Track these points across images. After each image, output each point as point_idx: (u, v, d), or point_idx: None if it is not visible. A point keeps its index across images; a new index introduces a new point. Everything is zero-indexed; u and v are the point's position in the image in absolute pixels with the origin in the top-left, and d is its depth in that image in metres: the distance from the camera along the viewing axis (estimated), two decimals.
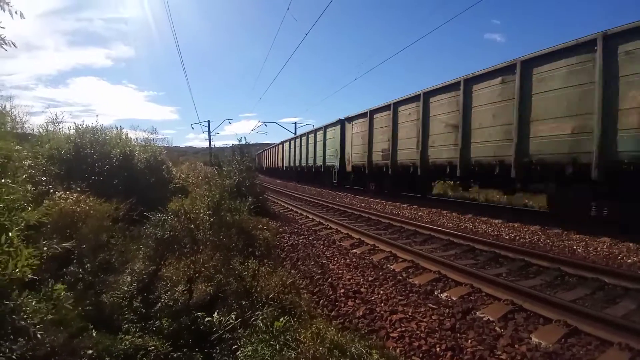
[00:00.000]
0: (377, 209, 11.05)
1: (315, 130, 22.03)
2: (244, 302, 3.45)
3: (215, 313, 3.39)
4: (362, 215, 9.44)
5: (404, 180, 13.48)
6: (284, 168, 31.23)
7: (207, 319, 3.32)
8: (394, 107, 12.91)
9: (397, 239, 6.74)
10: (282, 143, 32.41)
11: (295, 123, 44.15)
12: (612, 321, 3.02)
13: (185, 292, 3.94)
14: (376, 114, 14.32)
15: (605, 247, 5.91)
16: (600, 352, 2.77)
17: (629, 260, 5.28)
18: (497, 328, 3.17)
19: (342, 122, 17.82)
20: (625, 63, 6.12)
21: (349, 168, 16.80)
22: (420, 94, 11.33)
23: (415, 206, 11.18)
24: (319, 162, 20.99)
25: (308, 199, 14.10)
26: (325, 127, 20.12)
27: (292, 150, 27.97)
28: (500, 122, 8.38)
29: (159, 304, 3.71)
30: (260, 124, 45.75)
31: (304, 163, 24.50)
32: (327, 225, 8.22)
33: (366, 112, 14.91)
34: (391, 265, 5.15)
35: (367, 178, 15.67)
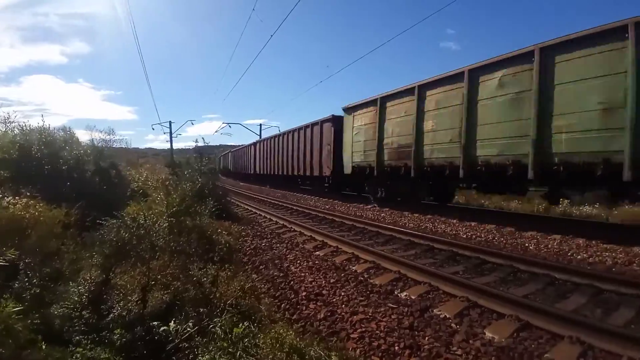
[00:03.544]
0: (341, 210, 11.14)
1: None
2: (202, 310, 3.37)
3: (172, 322, 3.29)
4: (327, 218, 9.48)
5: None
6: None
7: (162, 328, 3.21)
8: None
9: (359, 240, 6.81)
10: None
11: (260, 125, 43.87)
12: (562, 315, 3.18)
13: (139, 301, 3.79)
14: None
15: (555, 244, 6.23)
16: (551, 346, 2.89)
17: (579, 257, 5.58)
18: (453, 325, 3.26)
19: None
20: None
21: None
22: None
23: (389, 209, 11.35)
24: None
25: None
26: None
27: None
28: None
29: (112, 314, 3.55)
30: (224, 125, 45.04)
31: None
32: (291, 227, 8.20)
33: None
34: (353, 266, 5.19)
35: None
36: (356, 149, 13.25)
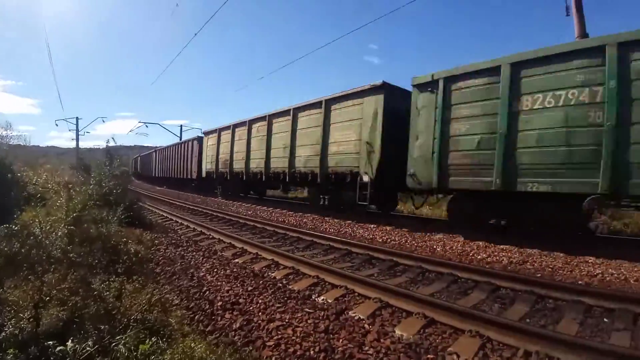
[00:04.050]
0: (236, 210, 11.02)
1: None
2: (104, 327, 3.08)
3: (69, 341, 2.96)
4: (248, 224, 9.30)
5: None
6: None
7: (58, 348, 2.88)
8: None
9: (280, 246, 6.79)
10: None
11: (181, 126, 41.85)
12: (463, 311, 3.45)
13: (31, 319, 3.37)
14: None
15: (459, 245, 6.78)
16: (453, 340, 3.12)
17: (479, 256, 6.13)
18: (366, 325, 3.37)
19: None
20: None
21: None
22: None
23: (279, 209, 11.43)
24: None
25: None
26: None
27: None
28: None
29: (4, 334, 3.11)
30: (140, 124, 42.27)
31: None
32: (209, 235, 7.90)
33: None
34: (273, 273, 5.15)
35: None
36: (207, 160, 19.94)
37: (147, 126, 43.30)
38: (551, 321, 3.65)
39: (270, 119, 13.91)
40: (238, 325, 3.50)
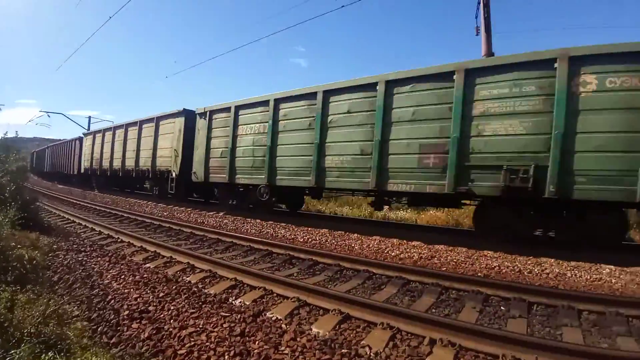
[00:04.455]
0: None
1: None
2: None
3: None
4: (163, 226, 8.79)
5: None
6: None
7: None
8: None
9: (197, 248, 6.53)
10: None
11: (89, 117, 38.20)
12: (375, 305, 3.60)
13: None
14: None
15: (375, 243, 7.07)
16: (367, 333, 3.24)
17: (393, 253, 6.45)
18: (283, 325, 3.36)
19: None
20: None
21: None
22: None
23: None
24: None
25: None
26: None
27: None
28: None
29: None
30: (42, 114, 38.14)
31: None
32: (118, 238, 7.32)
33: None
34: (187, 277, 4.92)
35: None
36: (85, 158, 22.74)
37: (49, 116, 39.05)
38: (454, 310, 3.97)
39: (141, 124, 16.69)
40: (147, 334, 3.28)
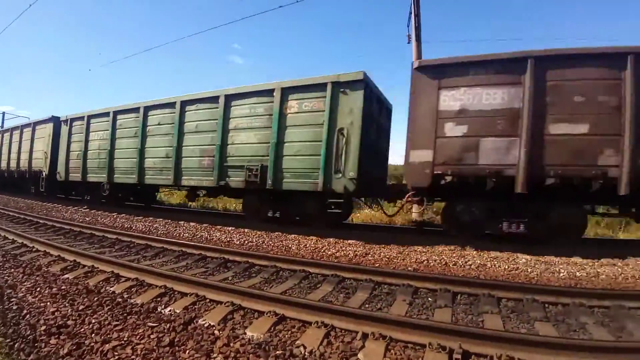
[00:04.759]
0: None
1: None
2: None
3: None
4: (84, 232, 8.12)
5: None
6: None
7: None
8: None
9: (124, 256, 6.13)
10: None
11: (3, 113, 34.32)
12: (310, 304, 3.61)
13: None
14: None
15: (312, 243, 7.13)
16: (302, 333, 3.24)
17: (329, 252, 6.54)
18: (216, 331, 3.26)
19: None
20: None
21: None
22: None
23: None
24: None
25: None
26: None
27: None
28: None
29: None
30: None
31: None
32: (33, 247, 6.65)
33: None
34: (112, 287, 4.60)
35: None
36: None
37: None
38: (386, 304, 4.11)
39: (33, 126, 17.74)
40: (66, 350, 3.01)
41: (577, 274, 5.60)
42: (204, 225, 9.26)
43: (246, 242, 7.42)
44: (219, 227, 8.97)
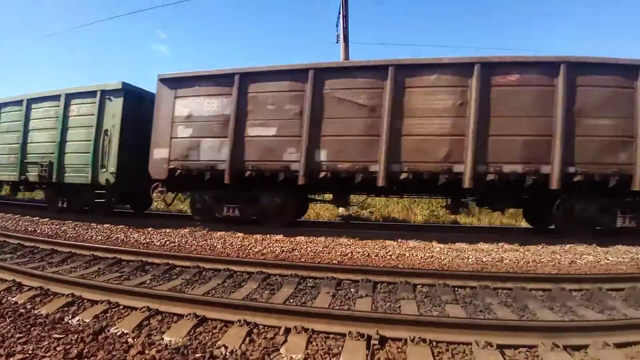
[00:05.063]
0: None
1: None
2: None
3: None
4: None
5: None
6: None
7: None
8: None
9: (27, 262, 5.54)
10: None
11: None
12: (232, 304, 3.56)
13: None
14: None
15: (239, 241, 7.02)
16: (223, 333, 3.18)
17: (255, 249, 6.49)
18: (130, 339, 3.08)
19: None
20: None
21: None
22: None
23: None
24: None
25: None
26: None
27: None
28: None
29: None
30: None
31: None
32: None
33: None
34: (13, 297, 4.14)
35: None
36: None
37: None
38: (311, 298, 4.20)
39: None
40: None
41: (484, 259, 6.17)
42: (120, 227, 8.66)
43: (168, 242, 7.09)
44: (138, 229, 8.44)
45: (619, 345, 2.96)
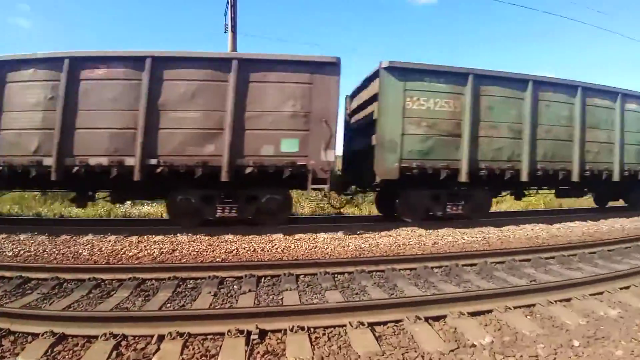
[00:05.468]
0: None
1: None
2: None
3: None
4: None
5: None
6: None
7: None
8: None
9: None
10: None
11: None
12: (95, 316, 3.24)
13: None
14: None
15: (110, 245, 6.32)
16: (86, 350, 2.85)
17: (130, 253, 5.94)
18: None
19: None
20: None
21: None
22: None
23: None
24: None
25: None
26: None
27: None
28: None
29: None
30: None
31: None
32: None
33: None
34: None
35: None
36: None
37: None
38: (190, 300, 4.04)
39: None
40: None
41: (362, 245, 6.65)
42: None
43: (22, 252, 6.09)
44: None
45: (473, 314, 3.48)
